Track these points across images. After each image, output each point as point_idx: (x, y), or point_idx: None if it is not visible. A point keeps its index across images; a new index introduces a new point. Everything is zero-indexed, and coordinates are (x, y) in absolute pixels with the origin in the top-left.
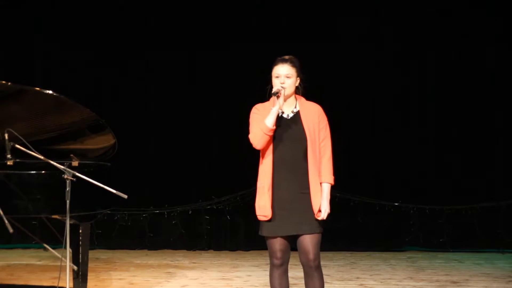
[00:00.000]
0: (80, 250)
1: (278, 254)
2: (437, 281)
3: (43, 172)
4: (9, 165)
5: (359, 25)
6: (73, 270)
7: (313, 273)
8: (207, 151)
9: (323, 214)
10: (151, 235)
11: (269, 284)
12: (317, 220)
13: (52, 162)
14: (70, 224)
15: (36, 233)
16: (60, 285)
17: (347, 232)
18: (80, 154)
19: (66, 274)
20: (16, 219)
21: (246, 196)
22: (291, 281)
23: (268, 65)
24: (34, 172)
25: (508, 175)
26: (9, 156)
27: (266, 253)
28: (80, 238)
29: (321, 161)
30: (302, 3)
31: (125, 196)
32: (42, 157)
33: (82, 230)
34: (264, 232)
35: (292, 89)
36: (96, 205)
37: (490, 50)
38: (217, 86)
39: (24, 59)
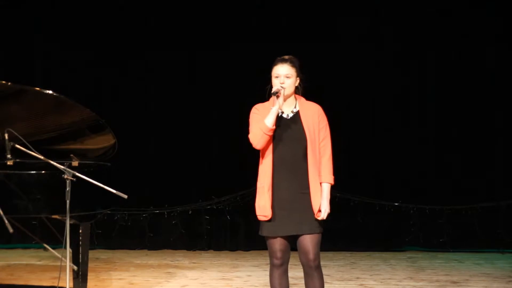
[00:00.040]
0: (80, 250)
1: (278, 254)
2: (437, 281)
3: (43, 172)
4: (9, 165)
5: (359, 25)
6: (73, 270)
7: (313, 273)
8: (207, 151)
9: (323, 214)
10: (151, 235)
11: (269, 284)
12: (317, 220)
13: (52, 162)
14: (70, 224)
15: (36, 233)
16: (60, 285)
17: (347, 232)
18: (80, 154)
19: (66, 274)
20: (16, 219)
21: (246, 196)
22: (291, 281)
23: (268, 65)
24: (34, 172)
25: (508, 175)
26: (9, 156)
27: (266, 253)
28: (80, 238)
29: (321, 161)
30: (302, 3)
31: (125, 196)
32: (42, 157)
33: (82, 230)
34: (264, 232)
35: (292, 89)
36: (96, 205)
37: (490, 50)
38: (217, 86)
39: (24, 59)
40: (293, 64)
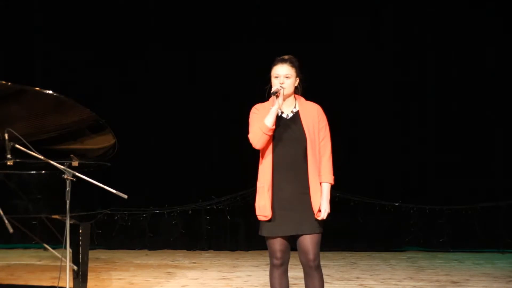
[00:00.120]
0: (80, 250)
1: (278, 254)
2: (437, 281)
3: (43, 172)
4: (9, 165)
5: (359, 25)
6: (73, 270)
7: (313, 273)
8: (207, 151)
9: (323, 214)
10: (151, 235)
11: (269, 284)
12: (317, 220)
13: (52, 162)
14: (70, 224)
15: (36, 233)
16: (60, 285)
17: (347, 232)
18: (80, 154)
19: (66, 274)
20: (16, 219)
21: (246, 196)
22: (291, 281)
23: (268, 65)
24: (34, 172)
25: (508, 175)
26: (9, 156)
27: (266, 253)
28: (80, 238)
29: (320, 161)
30: (302, 3)
31: (125, 196)
32: (42, 157)
33: (82, 230)
34: (264, 232)
35: (292, 89)
36: (96, 205)
37: (490, 50)
38: (217, 86)
39: (24, 59)
40: (292, 64)
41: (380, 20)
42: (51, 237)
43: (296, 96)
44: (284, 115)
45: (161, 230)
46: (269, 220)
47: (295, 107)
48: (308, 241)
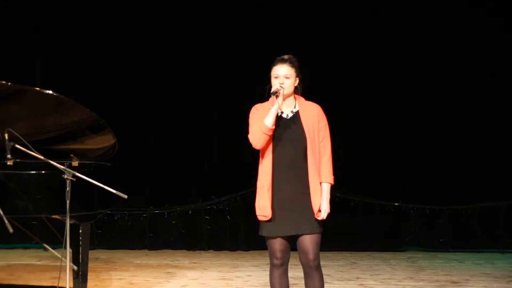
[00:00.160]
0: (80, 250)
1: (278, 254)
2: (437, 281)
3: (43, 172)
4: (9, 165)
5: (359, 25)
6: (73, 270)
7: (313, 273)
8: (207, 151)
9: (323, 214)
10: (151, 235)
11: (269, 284)
12: (317, 220)
13: (52, 162)
14: (70, 224)
15: (36, 233)
16: (60, 285)
17: (347, 232)
18: (80, 154)
19: (66, 274)
20: (16, 219)
21: (246, 196)
22: (291, 281)
23: (268, 65)
24: (34, 172)
25: (508, 175)
26: (9, 156)
27: (266, 253)
28: (80, 238)
29: (320, 161)
30: (302, 3)
31: (125, 196)
32: (42, 157)
33: (82, 230)
34: (264, 232)
35: (291, 89)
36: (96, 205)
37: (490, 50)
38: (217, 86)
39: (24, 59)
40: (292, 65)
41: (380, 20)
42: (51, 237)
43: (296, 96)
44: (284, 115)
45: (161, 230)
46: (269, 220)
47: (295, 107)
48: (308, 241)
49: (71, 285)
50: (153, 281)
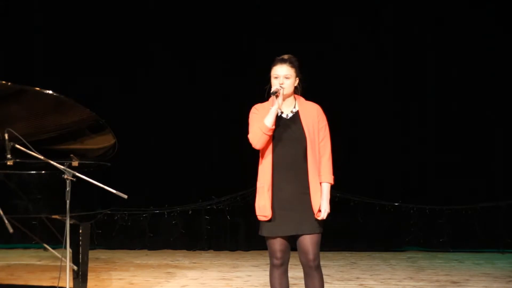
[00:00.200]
0: (80, 250)
1: (278, 254)
2: (437, 281)
3: (43, 172)
4: (9, 165)
5: (359, 25)
6: (73, 270)
7: (313, 273)
8: (207, 151)
9: (323, 214)
10: (151, 235)
11: (269, 284)
12: (317, 220)
13: (52, 162)
14: (70, 224)
15: (36, 233)
16: (60, 285)
17: (347, 232)
18: (80, 154)
19: (66, 274)
20: (16, 219)
21: (246, 196)
22: (291, 281)
23: (268, 65)
24: (34, 172)
25: (508, 175)
26: (9, 156)
27: (266, 253)
28: (80, 238)
29: (320, 160)
30: (302, 3)
31: (125, 196)
32: (42, 157)
33: (82, 230)
34: (264, 232)
35: (291, 89)
36: (96, 205)
37: (490, 50)
38: (217, 86)
39: (24, 59)
40: (292, 65)
41: (380, 20)
42: (51, 237)
43: (296, 96)
44: (283, 115)
45: (161, 230)
46: (269, 220)
47: (294, 107)
48: (308, 241)
49: (71, 285)
50: (153, 281)
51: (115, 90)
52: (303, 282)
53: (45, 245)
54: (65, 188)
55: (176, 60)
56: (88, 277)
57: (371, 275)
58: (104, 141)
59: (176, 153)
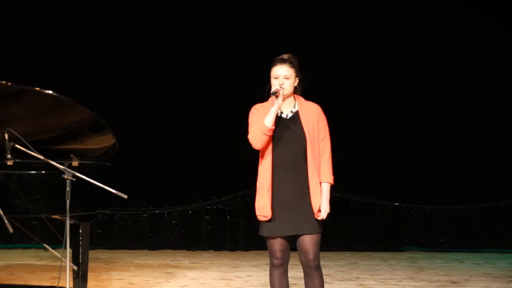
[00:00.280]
0: (80, 250)
1: (278, 254)
2: (437, 281)
3: (43, 172)
4: (9, 165)
5: (359, 25)
6: (73, 270)
7: (313, 273)
8: (207, 151)
9: (323, 214)
10: (151, 235)
11: (269, 284)
12: (317, 220)
13: (52, 162)
14: (70, 224)
15: (36, 233)
16: (60, 285)
17: (347, 232)
18: (80, 154)
19: (66, 274)
20: (16, 219)
21: (246, 196)
22: (291, 281)
23: (268, 65)
24: (34, 172)
25: (508, 175)
26: (9, 156)
27: (266, 253)
28: (80, 238)
29: (320, 160)
30: (302, 3)
31: (125, 196)
32: (42, 157)
33: (82, 230)
34: (264, 232)
35: (291, 89)
36: (96, 205)
37: (490, 50)
38: (217, 86)
39: (24, 59)
40: (292, 65)
41: (380, 20)
42: (51, 237)
43: (296, 96)
44: (283, 115)
45: (161, 230)
46: (269, 220)
47: (294, 107)
48: (308, 241)
49: (71, 285)
50: (153, 281)
51: (115, 90)
52: (303, 282)
53: (45, 245)
54: (65, 188)
55: (176, 60)
56: (88, 277)
57: (371, 275)
58: (104, 141)
59: (176, 153)
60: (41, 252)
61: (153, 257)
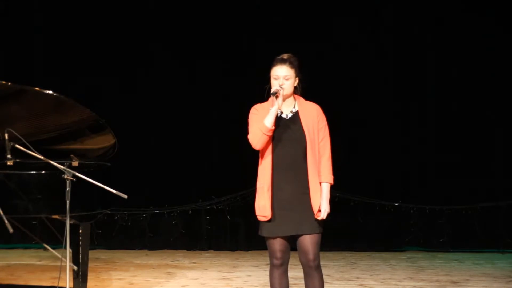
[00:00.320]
0: (80, 250)
1: (278, 254)
2: (437, 281)
3: (43, 172)
4: (9, 165)
5: (359, 25)
6: (73, 270)
7: (313, 273)
8: (207, 151)
9: (323, 214)
10: (151, 235)
11: (269, 284)
12: (316, 220)
13: (52, 162)
14: (70, 224)
15: (36, 233)
16: (60, 285)
17: (347, 232)
18: (80, 154)
19: (66, 274)
20: (16, 219)
21: (246, 196)
22: (291, 281)
23: (268, 65)
24: (34, 172)
25: (508, 175)
26: (9, 156)
27: (266, 253)
28: (80, 238)
29: (320, 161)
30: (302, 3)
31: (125, 196)
32: (42, 157)
33: (82, 230)
34: (263, 232)
35: (291, 89)
36: (96, 205)
37: (490, 50)
38: (217, 86)
39: (24, 59)
40: (292, 65)
41: (380, 20)
42: (51, 237)
43: (296, 96)
44: (283, 115)
45: (161, 230)
46: (269, 220)
47: (294, 107)
48: (308, 241)
49: (71, 285)
50: (153, 281)
51: (115, 90)
52: (303, 282)
53: (45, 245)
54: (65, 188)
55: (176, 60)
56: (88, 277)
57: (371, 275)
58: (104, 141)
59: (176, 153)
60: (41, 252)
61: (153, 257)
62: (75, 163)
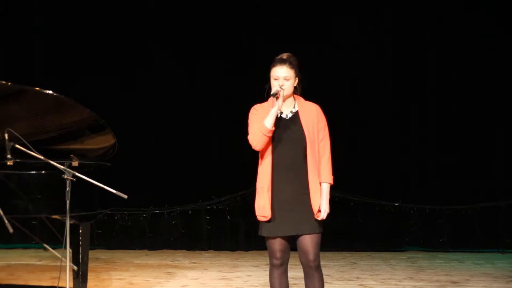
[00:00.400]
0: (80, 250)
1: (278, 254)
2: (437, 281)
3: (43, 172)
4: (9, 165)
5: (359, 25)
6: (73, 270)
7: (313, 273)
8: (207, 151)
9: (323, 214)
10: (151, 235)
11: (269, 284)
12: (316, 220)
13: (52, 162)
14: (70, 224)
15: (36, 233)
16: (60, 285)
17: (347, 232)
18: (80, 154)
19: (66, 274)
20: (16, 219)
21: (246, 196)
22: (291, 281)
23: (268, 65)
24: (34, 172)
25: (508, 175)
26: (9, 156)
27: (266, 253)
28: (80, 238)
29: (320, 161)
30: (302, 3)
31: (125, 196)
32: (42, 157)
33: (82, 230)
34: (263, 232)
35: (291, 89)
36: (96, 205)
37: (490, 50)
38: (217, 86)
39: (24, 59)
40: (292, 65)
41: (380, 20)
42: (51, 237)
43: (295, 96)
44: (283, 116)
45: (161, 230)
46: (269, 221)
47: (294, 107)
48: (308, 241)
49: (71, 285)
50: (153, 281)
51: (115, 90)
52: (303, 282)
53: (45, 245)
54: (65, 188)
55: (176, 60)
56: (88, 277)
57: (371, 275)
58: (104, 141)
59: (176, 153)
60: (41, 252)
61: (153, 257)
62: (75, 163)
